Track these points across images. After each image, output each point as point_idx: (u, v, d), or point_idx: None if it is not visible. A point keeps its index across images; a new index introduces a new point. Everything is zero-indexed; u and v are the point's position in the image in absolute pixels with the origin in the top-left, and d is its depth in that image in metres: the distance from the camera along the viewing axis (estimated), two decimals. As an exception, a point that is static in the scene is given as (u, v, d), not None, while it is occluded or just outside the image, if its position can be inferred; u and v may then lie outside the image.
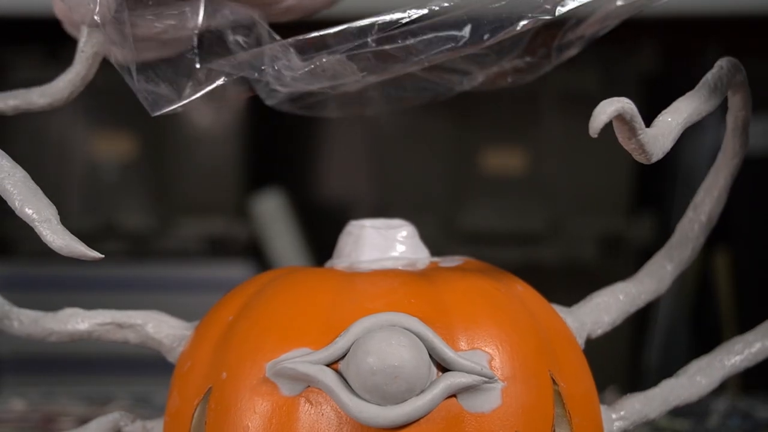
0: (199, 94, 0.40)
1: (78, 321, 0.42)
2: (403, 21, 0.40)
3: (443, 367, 0.36)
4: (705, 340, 1.17)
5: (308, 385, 0.36)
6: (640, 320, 1.22)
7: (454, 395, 0.36)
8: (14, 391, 0.81)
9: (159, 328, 0.42)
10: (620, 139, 0.36)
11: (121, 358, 1.12)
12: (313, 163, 1.31)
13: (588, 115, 0.36)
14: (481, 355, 0.37)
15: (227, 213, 1.44)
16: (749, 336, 0.43)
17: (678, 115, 0.38)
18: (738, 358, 0.43)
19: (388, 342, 0.35)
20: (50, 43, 1.34)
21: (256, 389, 0.37)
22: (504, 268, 0.44)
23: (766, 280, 1.13)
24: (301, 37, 0.40)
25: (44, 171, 1.42)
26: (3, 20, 1.32)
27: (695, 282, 1.17)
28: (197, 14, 0.40)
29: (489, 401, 0.36)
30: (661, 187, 1.21)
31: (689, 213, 0.44)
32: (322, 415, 0.36)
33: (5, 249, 1.17)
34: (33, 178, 0.39)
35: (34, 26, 1.39)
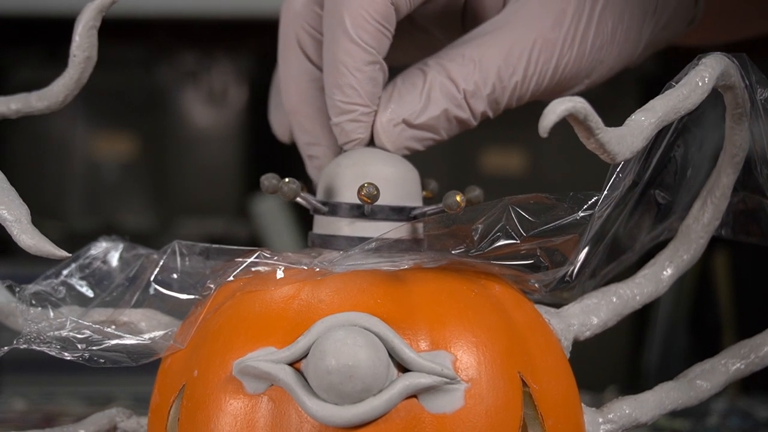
0: None
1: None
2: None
3: (405, 368, 0.36)
4: (704, 340, 1.17)
5: (272, 383, 0.36)
6: (639, 320, 1.22)
7: (414, 396, 0.36)
8: (14, 391, 0.81)
9: (151, 325, 0.42)
10: (581, 139, 0.35)
11: (121, 358, 1.12)
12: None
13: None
14: (445, 355, 0.36)
15: (227, 213, 1.44)
16: (757, 339, 0.42)
17: (651, 114, 0.37)
18: (744, 362, 0.42)
19: (344, 342, 0.35)
20: (50, 43, 1.34)
21: (223, 387, 0.37)
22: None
23: (766, 280, 1.13)
24: None
25: (45, 171, 1.42)
26: (3, 20, 1.33)
27: (694, 282, 1.17)
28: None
29: (451, 402, 0.36)
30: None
31: (692, 214, 0.43)
32: (284, 413, 0.36)
33: (5, 249, 1.17)
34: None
35: (34, 26, 1.39)
